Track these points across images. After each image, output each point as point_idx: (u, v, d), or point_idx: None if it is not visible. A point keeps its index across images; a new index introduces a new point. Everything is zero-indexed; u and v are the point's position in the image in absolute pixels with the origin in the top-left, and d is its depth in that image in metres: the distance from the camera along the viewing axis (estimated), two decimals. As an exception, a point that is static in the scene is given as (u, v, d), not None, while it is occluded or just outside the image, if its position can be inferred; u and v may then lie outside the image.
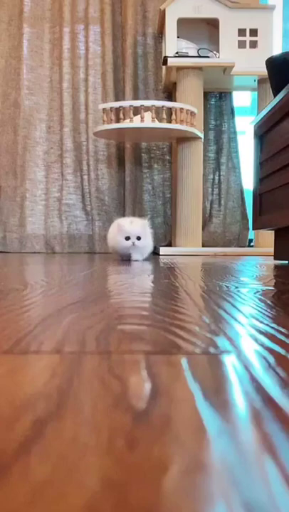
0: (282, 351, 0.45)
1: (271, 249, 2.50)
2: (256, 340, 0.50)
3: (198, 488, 0.20)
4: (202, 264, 2.14)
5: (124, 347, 0.47)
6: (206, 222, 4.01)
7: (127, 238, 2.24)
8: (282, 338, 0.51)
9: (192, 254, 3.32)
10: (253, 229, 2.54)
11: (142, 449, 0.24)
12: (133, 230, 2.24)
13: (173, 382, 0.36)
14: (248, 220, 4.06)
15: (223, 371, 0.39)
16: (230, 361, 0.42)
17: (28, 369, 0.39)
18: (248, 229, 4.07)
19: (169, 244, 3.89)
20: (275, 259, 2.40)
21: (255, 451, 0.24)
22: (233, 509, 0.19)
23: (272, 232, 2.47)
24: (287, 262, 2.30)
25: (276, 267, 1.94)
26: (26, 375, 0.38)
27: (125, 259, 2.33)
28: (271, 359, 0.42)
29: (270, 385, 0.35)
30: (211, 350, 0.46)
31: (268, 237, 3.40)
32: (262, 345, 0.48)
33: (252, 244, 4.00)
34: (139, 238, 2.25)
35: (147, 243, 2.31)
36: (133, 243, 2.24)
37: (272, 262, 2.37)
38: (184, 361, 0.42)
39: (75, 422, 0.28)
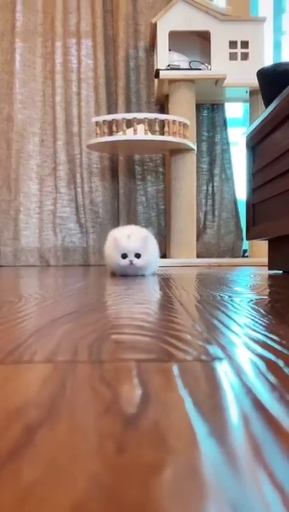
0: (272, 357, 0.45)
1: (265, 259, 2.51)
2: (248, 347, 0.51)
3: (186, 492, 0.21)
4: (196, 275, 2.15)
5: (116, 355, 0.47)
6: (200, 233, 4.02)
7: (124, 256, 1.83)
8: (274, 344, 0.52)
9: (187, 266, 3.32)
10: (246, 239, 2.55)
11: (130, 452, 0.25)
12: (130, 245, 1.83)
13: (164, 388, 0.36)
14: (241, 231, 4.08)
15: (214, 377, 0.39)
16: (221, 367, 0.42)
17: (20, 378, 0.39)
18: (242, 239, 4.08)
19: (164, 256, 3.89)
20: (270, 269, 2.41)
21: (244, 453, 0.24)
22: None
23: (267, 242, 2.48)
24: (281, 271, 2.31)
25: (270, 276, 1.95)
26: (18, 384, 0.38)
27: (121, 274, 1.92)
28: (262, 365, 0.42)
29: (260, 389, 0.35)
30: (203, 357, 0.46)
31: (262, 247, 3.41)
32: (253, 352, 0.48)
33: (246, 254, 4.01)
34: (138, 256, 1.83)
35: (149, 259, 1.89)
36: (131, 262, 1.82)
37: (266, 271, 2.38)
38: (175, 368, 0.42)
39: (65, 428, 0.28)
